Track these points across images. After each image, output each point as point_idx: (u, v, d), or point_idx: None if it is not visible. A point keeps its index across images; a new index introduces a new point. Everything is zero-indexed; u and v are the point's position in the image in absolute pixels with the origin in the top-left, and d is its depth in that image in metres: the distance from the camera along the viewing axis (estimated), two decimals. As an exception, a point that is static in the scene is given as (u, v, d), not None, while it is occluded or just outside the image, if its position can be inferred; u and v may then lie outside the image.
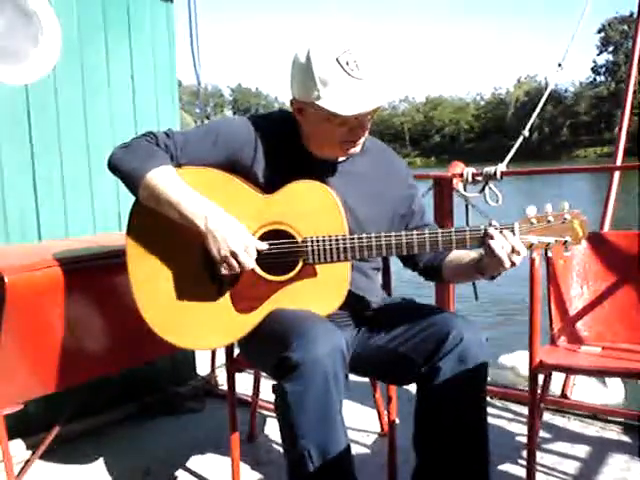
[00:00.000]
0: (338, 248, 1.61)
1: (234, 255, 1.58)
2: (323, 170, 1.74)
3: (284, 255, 1.64)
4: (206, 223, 1.58)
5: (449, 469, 1.64)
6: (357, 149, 1.73)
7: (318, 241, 1.61)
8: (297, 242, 1.63)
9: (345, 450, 1.55)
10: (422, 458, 1.70)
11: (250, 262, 1.59)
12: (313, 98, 1.61)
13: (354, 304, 1.76)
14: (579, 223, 1.55)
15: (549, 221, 1.55)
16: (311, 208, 1.64)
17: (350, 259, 1.63)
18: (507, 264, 1.55)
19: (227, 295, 1.68)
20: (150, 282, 1.70)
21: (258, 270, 1.63)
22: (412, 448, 1.72)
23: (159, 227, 1.68)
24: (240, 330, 1.69)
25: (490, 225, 1.58)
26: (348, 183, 1.75)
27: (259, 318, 1.67)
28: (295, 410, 1.48)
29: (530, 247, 1.58)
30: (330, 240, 1.61)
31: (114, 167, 1.69)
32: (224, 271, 1.61)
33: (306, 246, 1.62)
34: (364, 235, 1.61)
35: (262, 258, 1.63)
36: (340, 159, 1.77)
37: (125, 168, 1.67)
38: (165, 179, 1.63)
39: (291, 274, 1.65)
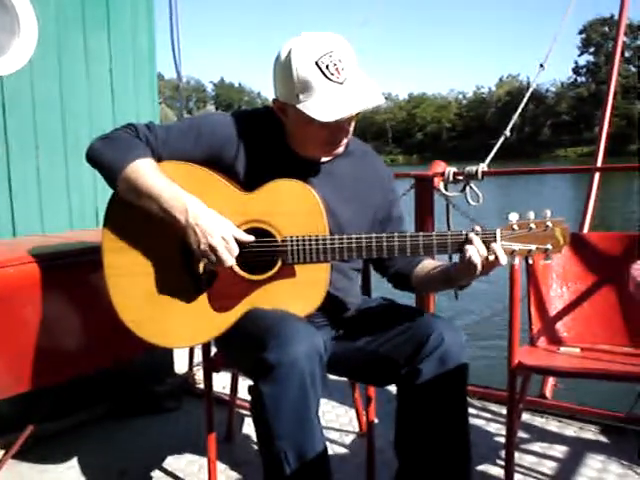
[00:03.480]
0: (318, 249, 1.59)
1: (214, 250, 1.55)
2: (306, 170, 1.71)
3: (263, 254, 1.62)
4: (187, 217, 1.55)
5: (431, 471, 1.63)
6: (340, 150, 1.71)
7: (298, 241, 1.59)
8: (277, 241, 1.61)
9: (322, 451, 1.53)
10: (403, 460, 1.68)
11: (229, 258, 1.56)
12: (293, 101, 1.59)
13: (333, 305, 1.74)
14: (560, 231, 1.55)
15: (531, 228, 1.55)
16: (292, 207, 1.62)
17: (330, 260, 1.61)
18: (478, 271, 1.53)
19: (204, 293, 1.65)
20: (126, 277, 1.66)
21: (236, 268, 1.61)
22: (392, 449, 1.71)
23: (137, 221, 1.64)
24: (216, 329, 1.66)
25: (473, 231, 1.56)
26: (330, 184, 1.73)
27: (235, 317, 1.64)
28: (271, 412, 1.46)
29: (512, 254, 1.57)
30: (310, 240, 1.59)
31: (92, 158, 1.65)
32: (202, 265, 1.58)
33: (286, 246, 1.60)
34: (345, 236, 1.58)
35: (241, 256, 1.61)
36: (323, 159, 1.75)
37: (104, 160, 1.63)
38: (145, 171, 1.59)
39: (269, 273, 1.62)
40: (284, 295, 1.63)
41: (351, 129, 1.68)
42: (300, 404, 1.46)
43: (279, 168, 1.67)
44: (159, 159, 1.66)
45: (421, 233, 1.59)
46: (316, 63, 1.54)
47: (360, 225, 1.75)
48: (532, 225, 1.55)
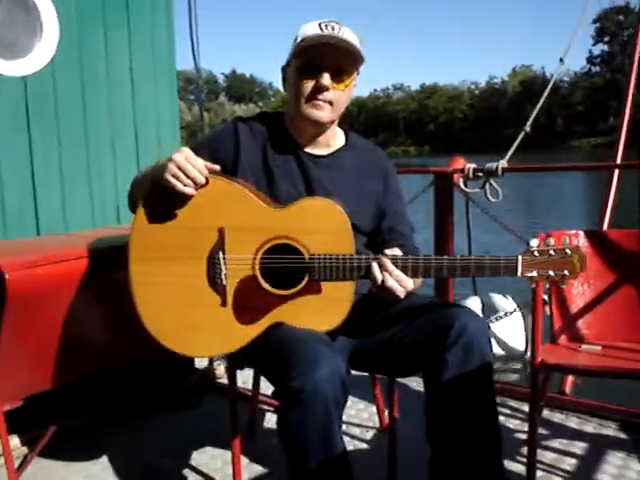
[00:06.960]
0: (345, 267, 1.61)
1: (177, 165, 1.59)
2: (308, 162, 1.79)
3: (290, 270, 1.64)
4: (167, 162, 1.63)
5: (465, 457, 1.65)
6: (322, 114, 1.74)
7: (325, 259, 1.61)
8: (304, 258, 1.63)
9: (346, 471, 1.57)
10: (436, 448, 1.70)
11: (196, 171, 1.61)
12: (291, 52, 1.74)
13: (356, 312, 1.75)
14: (578, 258, 1.59)
15: (550, 255, 1.58)
16: (321, 226, 1.64)
17: (356, 278, 1.63)
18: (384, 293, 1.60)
19: (229, 305, 1.66)
20: (152, 287, 1.68)
21: (262, 282, 1.63)
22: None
23: (165, 233, 1.67)
24: (238, 342, 1.68)
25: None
26: (332, 176, 1.79)
27: (258, 331, 1.66)
28: (297, 437, 1.49)
29: (530, 279, 1.61)
30: (337, 259, 1.61)
31: (130, 203, 1.85)
32: (175, 183, 1.61)
33: (313, 263, 1.62)
34: (371, 256, 1.61)
35: (268, 271, 1.64)
36: (324, 153, 1.82)
37: (129, 197, 1.85)
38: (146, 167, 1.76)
39: (296, 289, 1.64)
40: (308, 311, 1.65)
41: (328, 87, 1.71)
42: (325, 428, 1.48)
43: (282, 163, 1.76)
44: None
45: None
46: (319, 23, 1.72)
47: (363, 215, 1.81)
48: (551, 252, 1.59)
